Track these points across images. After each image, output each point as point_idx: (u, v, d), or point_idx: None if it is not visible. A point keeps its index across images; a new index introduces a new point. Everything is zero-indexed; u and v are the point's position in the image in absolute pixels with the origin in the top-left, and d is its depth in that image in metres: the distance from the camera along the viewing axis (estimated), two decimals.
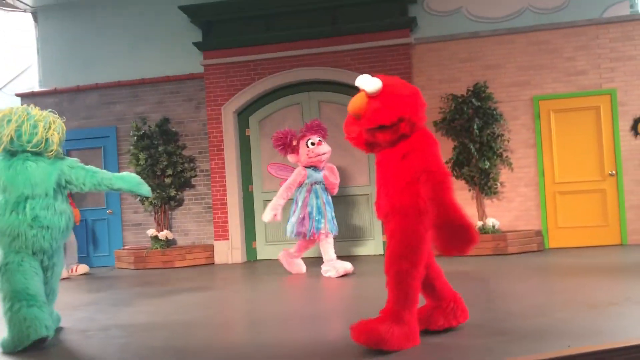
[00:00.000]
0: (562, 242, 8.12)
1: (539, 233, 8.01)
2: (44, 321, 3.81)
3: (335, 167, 7.26)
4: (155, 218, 9.10)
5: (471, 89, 8.10)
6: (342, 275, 6.53)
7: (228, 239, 8.87)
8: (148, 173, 8.83)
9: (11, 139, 4.14)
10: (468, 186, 8.19)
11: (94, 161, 9.51)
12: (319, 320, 4.43)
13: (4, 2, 9.68)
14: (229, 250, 8.85)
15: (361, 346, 3.24)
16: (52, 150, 4.30)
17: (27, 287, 3.90)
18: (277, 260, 8.68)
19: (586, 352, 2.96)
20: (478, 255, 7.47)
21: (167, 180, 8.92)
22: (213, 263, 8.84)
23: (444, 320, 3.62)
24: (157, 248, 8.72)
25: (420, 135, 3.38)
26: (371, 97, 3.32)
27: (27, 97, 9.95)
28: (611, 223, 8.00)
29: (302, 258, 7.27)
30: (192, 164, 9.27)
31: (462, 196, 8.35)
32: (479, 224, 7.89)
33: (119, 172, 9.47)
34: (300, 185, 6.95)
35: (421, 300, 3.46)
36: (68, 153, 8.33)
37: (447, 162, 8.13)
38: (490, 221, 7.88)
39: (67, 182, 4.28)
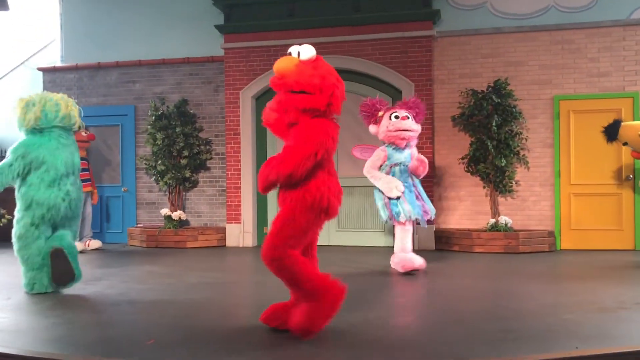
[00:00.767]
0: (574, 244, 8.07)
1: (551, 234, 7.97)
2: (44, 281, 4.98)
3: (426, 160, 6.22)
4: (169, 198, 9.17)
5: (492, 85, 8.03)
6: (409, 272, 5.92)
7: (240, 223, 8.92)
8: (164, 153, 8.90)
9: (39, 118, 4.94)
10: (483, 183, 8.15)
11: (111, 138, 9.70)
12: None
13: None
14: (240, 234, 8.91)
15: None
16: (75, 123, 5.16)
17: (39, 253, 4.92)
18: None
19: (594, 355, 2.96)
20: (489, 253, 7.45)
21: (183, 162, 8.97)
22: (224, 245, 8.91)
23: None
24: (169, 228, 8.80)
25: (321, 120, 3.41)
26: (304, 62, 3.41)
27: (49, 72, 10.05)
28: (625, 227, 7.93)
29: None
30: (208, 147, 9.32)
31: (476, 193, 8.34)
32: (492, 221, 7.87)
33: (135, 151, 9.63)
34: (380, 167, 6.24)
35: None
36: (87, 129, 8.43)
37: (463, 158, 8.11)
38: (503, 219, 7.85)
39: None
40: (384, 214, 6.10)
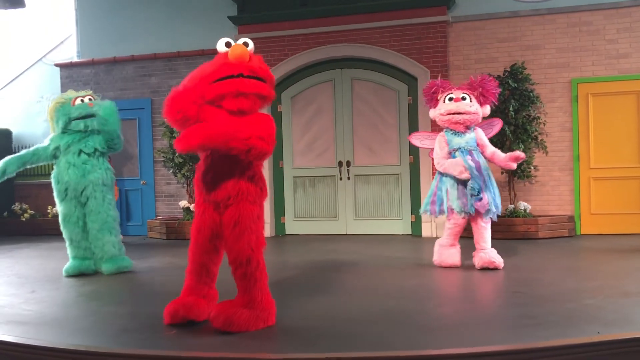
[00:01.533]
0: (594, 228, 7.99)
1: (571, 219, 7.89)
2: (82, 266, 5.69)
3: (522, 155, 5.52)
4: (187, 190, 9.24)
5: (508, 69, 7.94)
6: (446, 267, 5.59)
7: None
8: None
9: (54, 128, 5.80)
10: (501, 169, 8.08)
11: (128, 132, 9.77)
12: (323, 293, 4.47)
13: None
14: None
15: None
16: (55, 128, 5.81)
17: (76, 234, 5.71)
18: (304, 235, 8.79)
19: (616, 340, 2.94)
20: (508, 239, 7.40)
21: None
22: None
23: (206, 313, 3.58)
24: (188, 219, 8.87)
25: (260, 114, 3.54)
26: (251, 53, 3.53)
27: (66, 68, 10.15)
28: None
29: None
30: None
31: (495, 179, 8.24)
32: (510, 207, 7.81)
33: (153, 144, 9.69)
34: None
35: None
36: None
37: None
38: (522, 205, 7.78)
39: None
40: (457, 206, 5.46)
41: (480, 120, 5.71)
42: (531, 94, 7.85)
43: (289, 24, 8.76)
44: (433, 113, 5.78)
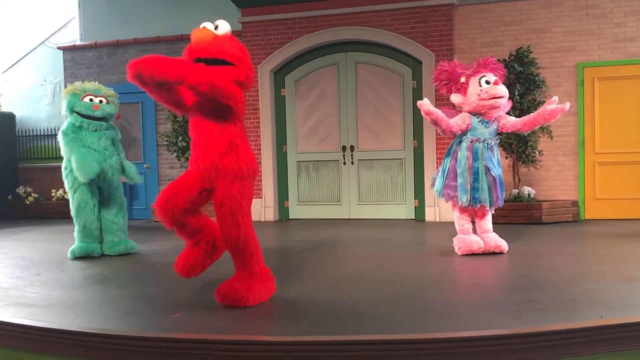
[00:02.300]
0: (598, 213, 7.98)
1: (575, 203, 7.88)
2: (89, 248, 5.75)
3: (564, 107, 5.20)
4: None
5: (514, 53, 7.88)
6: (467, 254, 5.35)
7: (261, 198, 8.97)
8: (185, 129, 8.94)
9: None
10: (505, 153, 8.06)
11: (132, 116, 9.76)
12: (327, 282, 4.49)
13: None
14: (262, 209, 8.96)
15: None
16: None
17: (91, 221, 5.77)
18: (308, 220, 8.81)
19: (619, 324, 2.94)
20: (512, 224, 7.40)
21: None
22: None
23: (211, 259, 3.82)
24: None
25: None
26: (222, 35, 3.46)
27: (69, 51, 10.11)
28: None
29: None
30: None
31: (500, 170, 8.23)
32: (514, 192, 7.79)
33: (156, 128, 9.69)
34: (460, 134, 5.38)
35: None
36: None
37: None
38: (526, 190, 7.77)
39: None
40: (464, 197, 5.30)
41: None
42: (537, 78, 7.80)
43: (292, 6, 8.69)
44: (459, 98, 5.40)
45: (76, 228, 5.81)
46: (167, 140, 9.19)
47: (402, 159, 8.57)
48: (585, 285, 3.95)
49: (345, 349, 2.81)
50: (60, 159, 5.95)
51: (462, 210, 5.46)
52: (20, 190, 10.34)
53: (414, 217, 8.57)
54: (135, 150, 9.83)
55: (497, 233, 5.53)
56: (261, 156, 8.95)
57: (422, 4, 8.25)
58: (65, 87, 9.97)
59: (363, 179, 8.76)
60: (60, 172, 5.92)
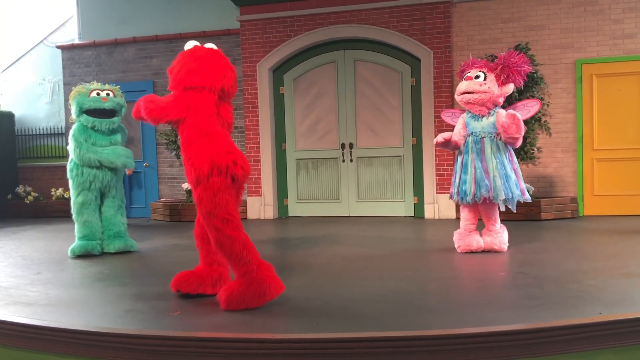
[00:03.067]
0: (597, 210, 7.99)
1: (574, 200, 7.89)
2: (89, 246, 5.72)
3: (516, 114, 5.00)
4: None
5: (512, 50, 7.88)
6: (466, 252, 5.34)
7: (261, 195, 8.98)
8: None
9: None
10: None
11: (130, 115, 9.75)
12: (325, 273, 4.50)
13: None
14: (261, 206, 8.97)
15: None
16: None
17: (91, 221, 5.79)
18: (307, 217, 8.82)
19: (617, 320, 2.95)
20: (510, 221, 7.41)
21: None
22: (246, 218, 9.00)
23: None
24: (191, 202, 8.90)
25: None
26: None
27: (68, 49, 10.11)
28: None
29: None
30: None
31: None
32: None
33: (155, 127, 9.66)
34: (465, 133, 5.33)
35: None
36: None
37: None
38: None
39: None
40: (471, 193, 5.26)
41: (497, 100, 5.27)
42: (535, 75, 7.81)
43: (291, 4, 8.69)
44: None
45: (76, 226, 5.82)
46: (166, 139, 9.19)
47: (401, 156, 8.58)
48: (584, 281, 3.97)
49: (346, 346, 2.81)
50: (60, 157, 5.98)
51: (467, 208, 5.44)
52: (20, 189, 10.35)
53: (413, 215, 8.58)
54: (135, 148, 9.82)
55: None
56: (260, 154, 8.96)
57: (420, 2, 8.25)
58: (65, 86, 9.99)
59: (362, 177, 8.77)
60: (60, 171, 5.95)
